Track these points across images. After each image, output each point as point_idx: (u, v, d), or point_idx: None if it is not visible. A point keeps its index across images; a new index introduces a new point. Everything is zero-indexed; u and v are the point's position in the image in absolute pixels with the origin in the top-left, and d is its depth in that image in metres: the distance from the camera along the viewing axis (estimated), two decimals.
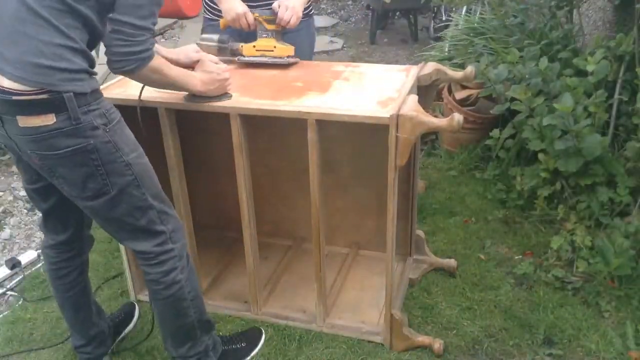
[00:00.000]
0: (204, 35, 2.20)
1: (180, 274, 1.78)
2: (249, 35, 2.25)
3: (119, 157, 1.60)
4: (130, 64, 1.56)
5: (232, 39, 2.18)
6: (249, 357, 2.10)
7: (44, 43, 1.45)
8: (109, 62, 1.57)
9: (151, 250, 1.73)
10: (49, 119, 1.49)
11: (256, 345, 2.13)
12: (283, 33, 2.22)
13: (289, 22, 2.16)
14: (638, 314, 2.20)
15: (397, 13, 6.41)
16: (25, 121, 1.50)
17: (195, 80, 1.81)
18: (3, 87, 1.48)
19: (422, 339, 2.08)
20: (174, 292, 1.78)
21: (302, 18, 2.29)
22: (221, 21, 2.28)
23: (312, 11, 2.52)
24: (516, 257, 2.56)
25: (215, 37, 2.16)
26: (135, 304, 2.34)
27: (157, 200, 1.70)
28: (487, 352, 2.09)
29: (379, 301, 2.24)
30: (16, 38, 1.45)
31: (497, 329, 2.18)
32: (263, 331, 2.18)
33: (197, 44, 1.99)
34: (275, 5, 2.17)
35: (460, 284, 2.41)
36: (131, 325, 2.25)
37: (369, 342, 2.13)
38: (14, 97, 1.47)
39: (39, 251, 2.77)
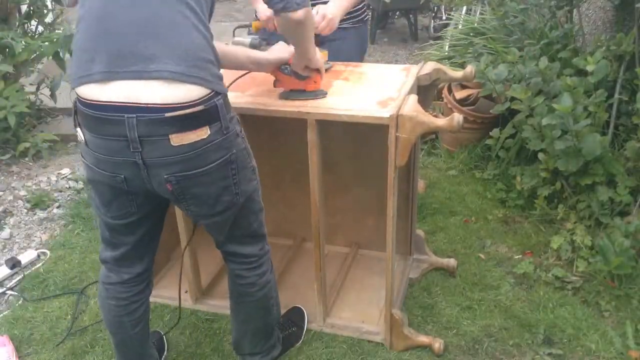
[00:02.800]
0: (236, 39, 2.16)
1: (270, 273, 1.81)
2: (280, 39, 2.22)
3: (249, 163, 1.56)
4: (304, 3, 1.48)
5: (264, 42, 2.15)
6: (301, 338, 2.13)
7: (193, 30, 1.35)
8: (276, 4, 1.47)
9: (256, 253, 1.73)
10: (204, 132, 1.38)
11: (304, 326, 2.16)
12: (327, 40, 2.19)
13: (322, 31, 2.12)
14: (638, 313, 2.20)
15: (397, 13, 6.40)
16: (181, 139, 1.35)
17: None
18: (151, 104, 1.32)
19: (422, 338, 2.09)
20: (266, 292, 1.79)
21: (352, 25, 2.30)
22: (254, 23, 2.23)
23: (366, 17, 2.46)
24: (516, 257, 2.56)
25: (248, 40, 2.11)
26: (161, 332, 2.19)
27: (262, 202, 1.70)
28: (487, 351, 2.09)
29: (379, 301, 2.24)
30: (160, 29, 1.34)
31: (497, 328, 2.18)
32: (303, 309, 2.20)
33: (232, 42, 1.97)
34: (313, 11, 2.14)
35: (460, 284, 2.41)
36: (165, 353, 2.14)
37: (369, 341, 2.13)
38: (167, 114, 1.33)
39: (39, 251, 2.77)
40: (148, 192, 1.50)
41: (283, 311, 2.13)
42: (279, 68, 1.86)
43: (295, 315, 2.19)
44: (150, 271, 1.79)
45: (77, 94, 1.41)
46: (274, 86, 1.91)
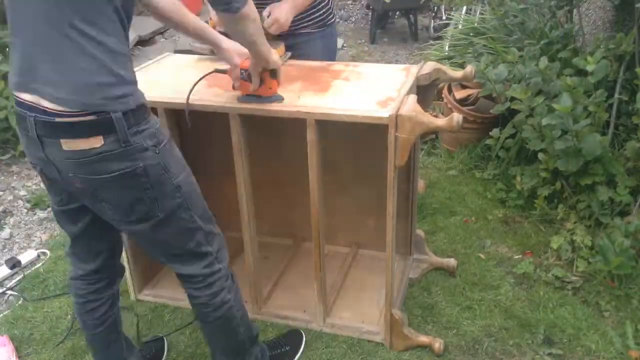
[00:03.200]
0: (194, 44, 2.16)
1: (228, 294, 1.73)
2: None
3: (167, 179, 1.51)
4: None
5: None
6: (295, 358, 2.08)
7: (84, 56, 1.34)
8: (216, 3, 1.51)
9: (200, 272, 1.67)
10: (97, 142, 1.38)
11: (300, 347, 2.11)
12: (290, 43, 2.19)
13: (268, 29, 2.11)
14: (638, 313, 2.20)
15: (397, 13, 6.40)
16: (70, 145, 1.38)
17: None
18: (44, 107, 1.36)
19: (422, 338, 2.08)
20: (224, 313, 1.73)
21: (317, 29, 2.29)
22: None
23: (331, 20, 2.40)
24: (516, 257, 2.56)
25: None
26: (165, 339, 2.18)
27: (203, 220, 1.64)
28: (487, 351, 2.09)
29: (379, 301, 2.24)
30: (53, 56, 1.35)
31: (497, 328, 2.18)
32: (303, 334, 2.15)
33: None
34: (265, 13, 2.14)
35: (460, 284, 2.41)
36: (164, 356, 2.13)
37: (369, 341, 2.13)
38: (57, 119, 1.36)
39: (39, 251, 2.77)
40: (72, 186, 1.53)
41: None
42: (238, 74, 1.84)
43: (293, 336, 2.15)
44: (110, 273, 1.77)
45: None
46: (232, 89, 1.91)
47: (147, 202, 1.50)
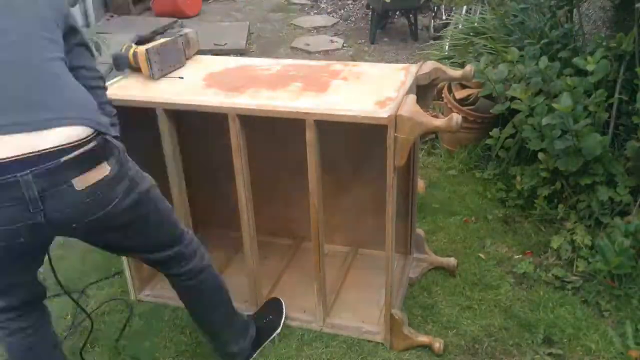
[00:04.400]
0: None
1: (202, 261, 1.83)
2: None
3: (144, 177, 1.58)
4: None
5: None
6: (281, 323, 2.17)
7: (71, 82, 1.41)
8: None
9: (175, 253, 1.74)
10: (104, 169, 1.35)
11: (282, 312, 2.19)
12: None
13: None
14: (638, 313, 2.20)
15: (397, 12, 6.40)
16: (83, 181, 1.30)
17: None
18: (42, 150, 1.23)
19: (422, 338, 2.08)
20: (204, 279, 1.82)
21: None
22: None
23: None
24: (516, 257, 2.56)
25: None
26: None
27: (165, 202, 1.72)
28: (487, 351, 2.09)
29: (378, 300, 2.24)
30: (48, 84, 1.34)
31: (497, 328, 2.18)
32: (281, 300, 2.24)
33: None
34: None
35: (460, 284, 2.41)
36: None
37: (368, 341, 2.13)
38: (63, 159, 1.26)
39: None
40: (43, 244, 1.52)
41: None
42: None
43: (273, 303, 2.23)
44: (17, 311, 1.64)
45: None
46: None
47: (141, 210, 1.54)
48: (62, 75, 1.38)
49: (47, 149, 1.23)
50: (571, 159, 2.53)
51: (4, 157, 1.20)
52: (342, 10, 7.11)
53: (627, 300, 2.26)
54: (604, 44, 2.77)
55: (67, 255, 2.71)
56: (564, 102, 2.47)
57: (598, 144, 2.47)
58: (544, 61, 2.76)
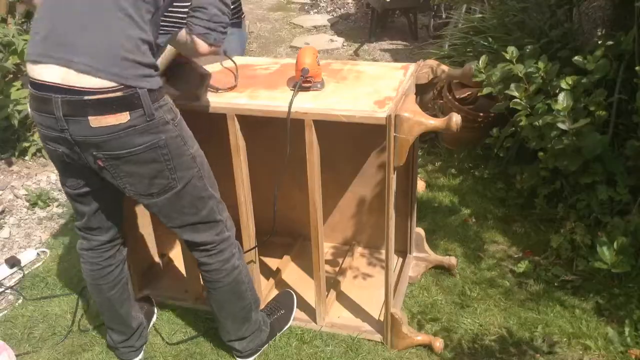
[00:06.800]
0: None
1: (237, 259, 1.86)
2: None
3: (186, 151, 1.64)
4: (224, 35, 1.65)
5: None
6: (290, 320, 2.19)
7: (122, 33, 1.45)
8: (207, 36, 1.60)
9: (212, 240, 1.79)
10: (124, 117, 1.48)
11: (293, 309, 2.21)
12: None
13: None
14: (637, 312, 2.20)
15: (397, 11, 6.40)
16: (99, 121, 1.47)
17: None
18: (73, 86, 1.44)
19: (422, 337, 2.08)
20: (235, 277, 1.85)
21: (232, 27, 2.34)
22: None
23: (242, 16, 2.67)
24: (516, 256, 2.56)
25: None
26: (152, 298, 2.33)
27: (214, 189, 1.77)
28: (487, 350, 2.09)
29: (378, 299, 2.24)
30: (91, 26, 1.45)
31: (496, 327, 2.18)
32: (292, 292, 2.26)
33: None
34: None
35: (460, 283, 2.41)
36: (154, 318, 2.27)
37: (368, 340, 2.13)
38: (86, 97, 1.45)
39: (39, 250, 2.77)
40: (90, 167, 1.60)
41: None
42: None
43: (285, 298, 2.24)
44: (119, 239, 1.91)
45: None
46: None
47: (167, 174, 1.61)
48: (114, 27, 1.46)
49: (75, 86, 1.44)
50: (571, 158, 2.52)
51: (46, 80, 1.47)
52: (342, 10, 7.11)
53: (626, 299, 2.26)
54: (604, 43, 2.77)
55: (67, 254, 2.72)
56: (564, 101, 2.47)
57: (598, 143, 2.47)
58: (543, 60, 2.75)
